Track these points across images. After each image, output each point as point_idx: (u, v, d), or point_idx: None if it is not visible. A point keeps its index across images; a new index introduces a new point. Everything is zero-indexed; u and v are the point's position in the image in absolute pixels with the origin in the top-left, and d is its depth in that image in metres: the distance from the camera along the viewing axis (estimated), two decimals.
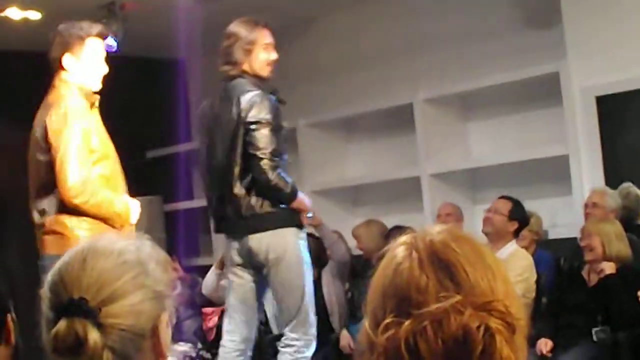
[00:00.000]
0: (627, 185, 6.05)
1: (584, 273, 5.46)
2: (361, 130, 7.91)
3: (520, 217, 5.82)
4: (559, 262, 5.86)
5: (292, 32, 7.78)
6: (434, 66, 7.30)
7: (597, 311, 5.23)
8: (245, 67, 4.86)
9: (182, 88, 8.61)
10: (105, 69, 4.51)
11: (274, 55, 4.92)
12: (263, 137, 4.70)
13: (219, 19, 5.03)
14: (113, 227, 4.35)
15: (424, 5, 7.42)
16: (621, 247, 5.34)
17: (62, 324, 1.59)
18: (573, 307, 5.36)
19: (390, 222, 6.77)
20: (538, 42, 6.75)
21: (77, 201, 4.20)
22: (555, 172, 6.57)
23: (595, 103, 6.25)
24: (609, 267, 5.26)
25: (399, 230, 5.91)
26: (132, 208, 4.46)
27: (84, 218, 4.27)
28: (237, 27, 4.89)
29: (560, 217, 6.68)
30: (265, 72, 4.90)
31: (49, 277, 1.68)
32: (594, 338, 5.16)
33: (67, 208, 4.26)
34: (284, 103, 4.94)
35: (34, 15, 7.10)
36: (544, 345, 5.26)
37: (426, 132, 7.12)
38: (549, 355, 5.23)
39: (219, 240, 8.15)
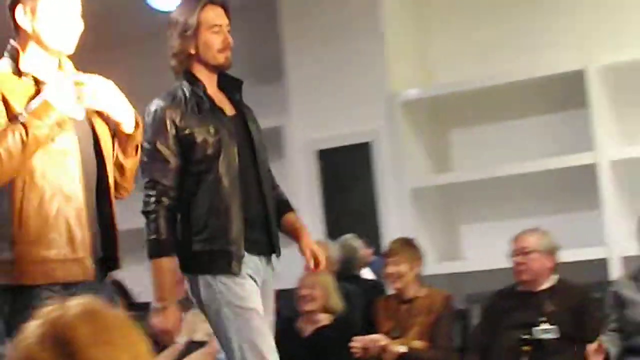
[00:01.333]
0: (347, 237, 6.23)
1: (299, 324, 5.54)
2: None
3: None
4: (279, 312, 5.92)
5: None
6: None
7: None
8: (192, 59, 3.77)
9: None
10: (75, 27, 3.12)
11: (227, 39, 3.77)
12: (142, 165, 3.58)
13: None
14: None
15: None
16: (336, 298, 5.46)
17: None
18: (289, 358, 5.41)
19: None
20: (262, 97, 6.85)
21: None
22: None
23: (316, 156, 6.42)
24: (324, 318, 5.37)
25: None
26: (55, 95, 2.98)
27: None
28: (175, 13, 3.79)
29: (282, 267, 6.76)
30: (219, 60, 3.78)
31: None
32: None
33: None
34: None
35: None
36: None
37: None
38: None
39: None
